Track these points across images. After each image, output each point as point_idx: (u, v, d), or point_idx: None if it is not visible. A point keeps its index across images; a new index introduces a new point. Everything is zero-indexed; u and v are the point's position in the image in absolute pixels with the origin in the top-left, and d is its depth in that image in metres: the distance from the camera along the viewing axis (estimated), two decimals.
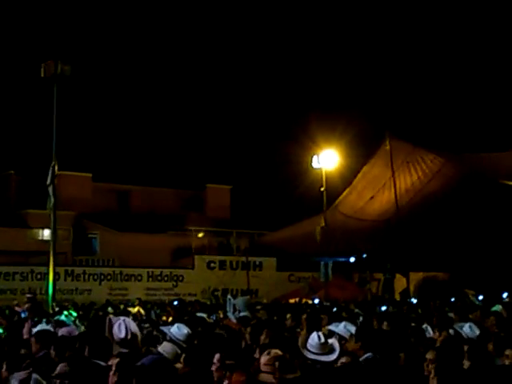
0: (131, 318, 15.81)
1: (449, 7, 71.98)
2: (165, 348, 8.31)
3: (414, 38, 74.08)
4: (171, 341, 8.72)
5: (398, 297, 34.33)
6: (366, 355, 8.76)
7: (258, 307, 22.21)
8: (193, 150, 53.33)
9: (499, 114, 57.31)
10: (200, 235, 44.82)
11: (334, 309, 21.56)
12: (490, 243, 30.81)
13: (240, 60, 67.14)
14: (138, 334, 8.23)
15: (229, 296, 22.98)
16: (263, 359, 7.68)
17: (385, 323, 12.48)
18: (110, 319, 8.21)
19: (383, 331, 11.41)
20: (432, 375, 7.45)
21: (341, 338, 9.71)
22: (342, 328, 10.06)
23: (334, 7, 73.19)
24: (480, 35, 65.86)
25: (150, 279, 38.36)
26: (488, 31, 71.92)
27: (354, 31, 72.73)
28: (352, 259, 34.66)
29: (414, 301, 29.43)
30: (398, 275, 35.62)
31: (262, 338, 9.50)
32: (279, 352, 7.71)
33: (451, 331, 11.33)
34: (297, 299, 32.34)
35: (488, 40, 70.21)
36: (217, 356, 7.55)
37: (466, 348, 8.80)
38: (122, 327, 7.99)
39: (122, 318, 8.35)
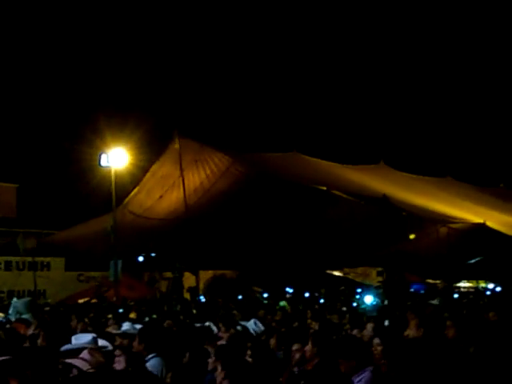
0: None
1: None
2: None
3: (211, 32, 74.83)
4: None
5: (187, 295, 34.62)
6: (150, 355, 8.71)
7: (47, 308, 21.69)
8: None
9: (283, 116, 59.22)
10: None
11: (120, 309, 21.42)
12: (274, 240, 31.70)
13: (24, 56, 65.10)
14: None
15: (14, 299, 22.26)
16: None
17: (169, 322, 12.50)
18: None
19: (169, 330, 11.40)
20: (219, 370, 7.55)
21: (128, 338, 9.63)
22: (127, 328, 9.96)
23: None
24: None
25: None
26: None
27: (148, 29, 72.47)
28: (140, 258, 34.57)
29: (203, 299, 29.82)
30: (188, 274, 35.92)
31: (39, 341, 9.23)
32: None
33: (238, 327, 11.53)
34: (85, 299, 31.86)
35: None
36: None
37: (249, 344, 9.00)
38: None
39: None
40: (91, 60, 68.52)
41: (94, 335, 8.39)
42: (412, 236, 34.55)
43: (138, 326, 10.13)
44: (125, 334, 9.82)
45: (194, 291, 34.50)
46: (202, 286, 38.20)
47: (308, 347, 8.61)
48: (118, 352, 8.25)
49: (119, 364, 7.80)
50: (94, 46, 70.78)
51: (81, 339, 8.11)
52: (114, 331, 9.97)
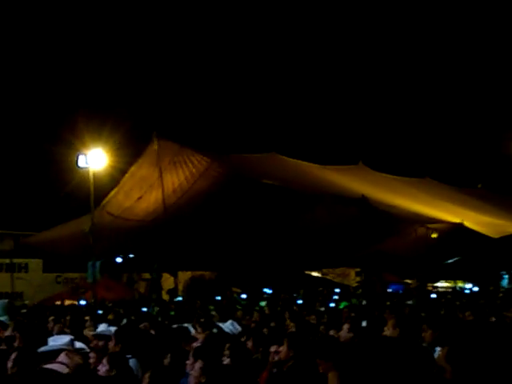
0: None
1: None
2: None
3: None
4: None
5: (166, 296, 34.54)
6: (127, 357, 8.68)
7: (24, 310, 21.60)
8: None
9: (262, 116, 59.11)
10: None
11: (99, 311, 21.34)
12: (253, 242, 31.71)
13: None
14: None
15: None
16: None
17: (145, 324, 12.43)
18: None
19: (145, 332, 11.34)
20: (196, 372, 7.55)
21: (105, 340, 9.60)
22: (103, 329, 9.94)
23: None
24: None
25: None
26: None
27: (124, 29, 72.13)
28: (119, 259, 34.50)
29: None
30: (166, 275, 35.84)
31: (16, 343, 9.19)
32: None
33: (214, 330, 11.50)
34: (62, 301, 31.77)
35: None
36: None
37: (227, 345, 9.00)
38: None
39: None
40: (69, 61, 68.11)
41: (72, 337, 8.38)
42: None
43: (113, 328, 10.10)
44: (100, 335, 9.79)
45: (173, 293, 34.46)
46: (180, 287, 38.12)
47: (282, 348, 8.63)
48: (92, 354, 8.24)
49: (103, 366, 7.79)
50: (72, 47, 70.43)
51: (58, 341, 8.10)
52: (91, 333, 9.94)
